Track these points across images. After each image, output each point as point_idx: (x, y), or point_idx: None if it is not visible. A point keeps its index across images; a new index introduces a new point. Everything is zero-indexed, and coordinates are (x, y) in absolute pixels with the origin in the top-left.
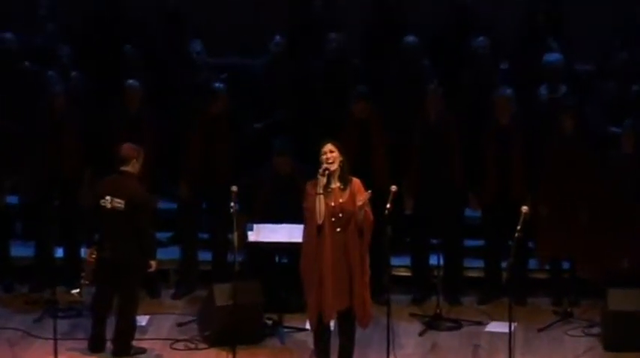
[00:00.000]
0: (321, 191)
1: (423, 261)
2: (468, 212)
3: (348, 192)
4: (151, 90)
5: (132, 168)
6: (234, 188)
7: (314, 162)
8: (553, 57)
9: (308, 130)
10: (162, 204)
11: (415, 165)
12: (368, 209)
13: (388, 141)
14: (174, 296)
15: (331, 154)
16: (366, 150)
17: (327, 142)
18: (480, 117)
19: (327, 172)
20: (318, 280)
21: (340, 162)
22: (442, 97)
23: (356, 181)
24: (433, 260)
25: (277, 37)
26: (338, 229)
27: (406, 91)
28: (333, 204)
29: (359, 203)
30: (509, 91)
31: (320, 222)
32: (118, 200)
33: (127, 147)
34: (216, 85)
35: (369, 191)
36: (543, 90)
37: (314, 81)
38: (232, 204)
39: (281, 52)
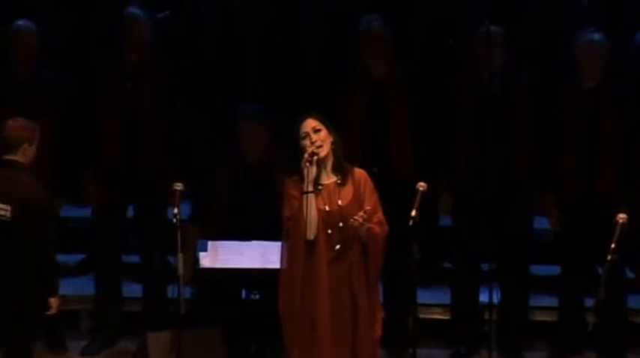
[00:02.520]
0: (311, 188)
1: (468, 297)
2: (538, 222)
3: (349, 188)
4: (53, 39)
5: (23, 156)
6: (179, 185)
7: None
8: None
9: (293, 102)
10: (68, 211)
11: (457, 148)
12: (380, 214)
13: (415, 112)
14: (86, 351)
15: (317, 135)
16: (382, 127)
17: (308, 117)
18: (554, 77)
19: (315, 158)
20: (307, 327)
21: (331, 144)
22: (499, 44)
23: (359, 172)
24: (484, 296)
25: None
26: (337, 246)
27: (443, 36)
28: (327, 208)
29: (354, 222)
30: (598, 36)
31: (311, 236)
32: (2, 205)
33: (14, 126)
34: (132, 9)
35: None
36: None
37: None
38: (175, 210)
39: None
